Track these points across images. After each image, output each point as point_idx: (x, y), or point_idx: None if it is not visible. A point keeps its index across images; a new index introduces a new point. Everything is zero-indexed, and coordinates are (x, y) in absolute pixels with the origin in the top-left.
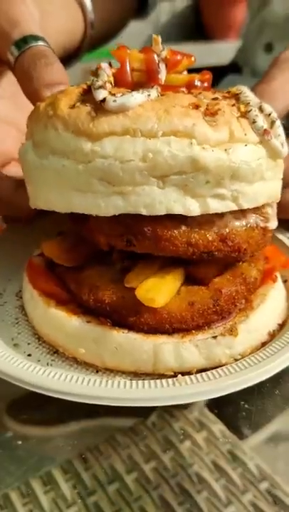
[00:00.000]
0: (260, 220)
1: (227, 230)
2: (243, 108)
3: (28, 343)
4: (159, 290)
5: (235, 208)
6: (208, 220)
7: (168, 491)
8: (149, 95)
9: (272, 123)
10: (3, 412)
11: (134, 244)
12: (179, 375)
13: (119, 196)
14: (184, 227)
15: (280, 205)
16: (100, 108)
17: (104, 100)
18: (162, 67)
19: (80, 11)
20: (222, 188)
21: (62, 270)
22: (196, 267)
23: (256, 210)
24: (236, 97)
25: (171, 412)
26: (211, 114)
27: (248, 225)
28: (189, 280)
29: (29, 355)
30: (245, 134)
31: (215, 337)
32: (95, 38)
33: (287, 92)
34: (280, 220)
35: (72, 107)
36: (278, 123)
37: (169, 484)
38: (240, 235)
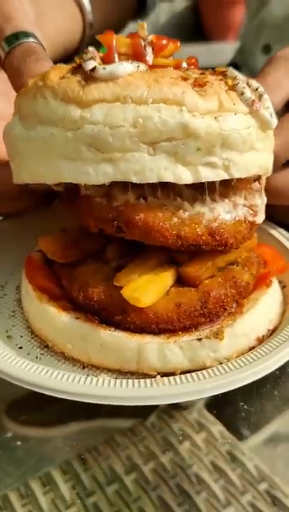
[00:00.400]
0: (248, 214)
1: (216, 224)
2: (230, 82)
3: (21, 336)
4: (146, 290)
5: (226, 176)
6: (199, 212)
7: (167, 491)
8: (138, 66)
9: (260, 96)
10: (2, 413)
11: (124, 231)
12: (158, 376)
13: (108, 163)
14: (175, 219)
15: (272, 190)
16: (90, 77)
17: (94, 69)
18: (149, 50)
19: (79, 12)
20: (213, 156)
21: (57, 266)
22: (188, 268)
23: (246, 202)
24: (223, 73)
25: (170, 412)
26: (199, 85)
27: (237, 219)
28: (180, 281)
29: (20, 347)
30: (234, 104)
31: (200, 339)
32: (94, 39)
33: (283, 86)
34: (280, 223)
35: (62, 77)
36: (266, 96)
37: (168, 485)
38: (228, 230)
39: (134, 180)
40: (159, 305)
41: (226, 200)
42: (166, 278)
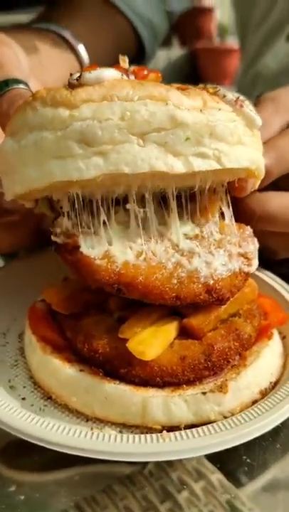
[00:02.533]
0: (243, 265)
1: (213, 281)
2: (211, 90)
3: (24, 387)
4: (151, 343)
5: (218, 166)
6: (196, 268)
7: None
8: (122, 75)
9: (242, 101)
10: None
11: (124, 293)
12: (164, 432)
13: (99, 157)
14: (174, 281)
15: (266, 215)
16: (77, 85)
17: (80, 76)
18: (131, 78)
19: (76, 61)
20: (203, 147)
21: (61, 317)
22: (192, 321)
23: (241, 251)
24: (204, 87)
25: (168, 460)
26: (182, 89)
27: (233, 271)
28: (183, 333)
29: (23, 398)
30: (218, 103)
31: (204, 393)
32: None
33: (271, 125)
34: (280, 274)
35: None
36: (248, 102)
37: None
38: (224, 285)
39: (126, 170)
40: (164, 358)
41: (222, 251)
42: (170, 330)
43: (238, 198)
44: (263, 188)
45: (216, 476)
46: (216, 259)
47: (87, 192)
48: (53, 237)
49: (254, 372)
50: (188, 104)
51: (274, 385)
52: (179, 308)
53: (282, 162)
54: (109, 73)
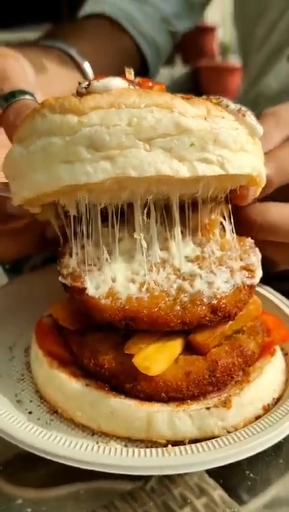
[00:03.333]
0: (246, 278)
1: (216, 301)
2: (214, 100)
3: (31, 401)
4: (156, 359)
5: (222, 172)
6: (199, 290)
7: None
8: (129, 85)
9: (245, 111)
10: None
11: (132, 326)
12: (169, 446)
13: (107, 161)
14: (177, 308)
15: (267, 225)
16: (85, 94)
17: (88, 85)
18: (137, 88)
19: (82, 77)
20: (207, 153)
21: (67, 332)
22: (197, 336)
23: (243, 264)
24: (207, 98)
25: (170, 476)
26: (186, 98)
27: (236, 286)
28: (188, 349)
29: (30, 412)
30: (221, 111)
31: (208, 408)
32: None
33: (272, 139)
34: (280, 290)
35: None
36: (249, 113)
37: None
38: (229, 302)
39: (133, 174)
40: (169, 373)
41: (223, 268)
42: (175, 346)
43: (238, 208)
44: (262, 199)
45: (218, 493)
46: (218, 276)
47: (94, 197)
48: (60, 279)
49: (257, 388)
50: (193, 112)
51: (277, 401)
52: None
53: (283, 172)
54: (117, 82)
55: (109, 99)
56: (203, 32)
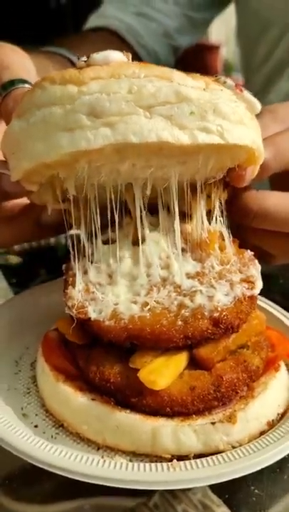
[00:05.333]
0: (246, 290)
1: (217, 313)
2: (212, 78)
3: (36, 414)
4: (161, 373)
5: (221, 141)
6: (200, 305)
7: None
8: (128, 60)
9: (242, 87)
10: None
11: (137, 345)
12: (174, 460)
13: (107, 128)
14: (179, 323)
15: (261, 212)
16: (85, 67)
17: (88, 58)
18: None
19: None
20: (206, 122)
21: (74, 346)
22: (201, 351)
23: (243, 276)
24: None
25: (173, 493)
26: (185, 73)
27: (236, 298)
28: (193, 363)
29: (36, 426)
30: (219, 86)
31: (213, 423)
32: None
33: (269, 130)
34: (286, 308)
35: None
36: (246, 91)
37: None
38: (230, 314)
39: (134, 140)
40: (174, 388)
41: (223, 282)
42: (180, 361)
43: (235, 195)
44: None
45: (222, 510)
46: (218, 290)
47: (93, 170)
48: (66, 310)
49: (262, 403)
50: (192, 83)
51: (281, 417)
52: None
53: (280, 157)
54: (116, 55)
55: (109, 70)
56: (208, 50)
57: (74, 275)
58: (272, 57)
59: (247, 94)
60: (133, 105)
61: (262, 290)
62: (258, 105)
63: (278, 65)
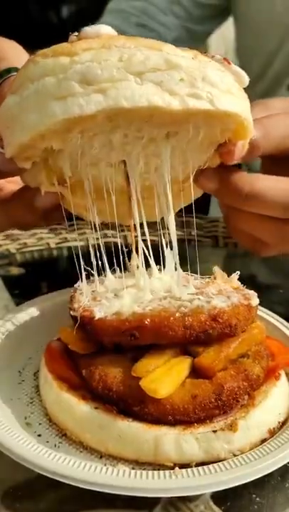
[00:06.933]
0: (243, 299)
1: (216, 311)
2: (201, 52)
3: (40, 424)
4: (163, 381)
5: (211, 107)
6: (198, 306)
7: None
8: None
9: (230, 62)
10: None
11: (138, 337)
12: (176, 468)
13: (99, 94)
14: (178, 314)
15: (252, 193)
16: (76, 41)
17: (79, 33)
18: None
19: None
20: (196, 89)
21: (76, 356)
22: (202, 359)
23: (238, 289)
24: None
25: (175, 504)
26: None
27: (233, 304)
28: (194, 372)
29: (39, 435)
30: (208, 58)
31: (215, 431)
32: None
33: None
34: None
35: None
36: (234, 65)
37: None
38: (228, 313)
39: (125, 104)
40: (176, 397)
41: (220, 296)
42: (181, 369)
43: (226, 178)
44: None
45: None
46: (216, 299)
47: (86, 140)
48: (72, 313)
49: (263, 411)
50: (182, 54)
51: (282, 425)
52: (190, 346)
53: (269, 137)
54: (107, 29)
55: (100, 41)
56: None
57: (81, 290)
58: (270, 69)
59: (235, 66)
60: (124, 72)
61: (262, 300)
62: (246, 78)
63: (276, 77)
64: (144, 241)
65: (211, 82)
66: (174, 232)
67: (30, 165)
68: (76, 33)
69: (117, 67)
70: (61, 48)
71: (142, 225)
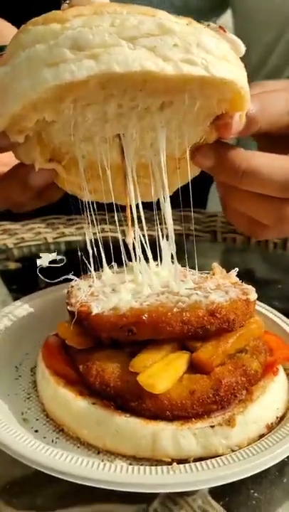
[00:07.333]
0: (241, 294)
1: (214, 306)
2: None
3: (37, 419)
4: (161, 376)
5: (206, 74)
6: (196, 301)
7: None
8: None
9: (225, 30)
10: None
11: (135, 333)
12: (174, 464)
13: (91, 59)
14: (176, 309)
15: (251, 170)
16: (67, 8)
17: (70, 0)
18: None
19: None
20: (191, 55)
21: (74, 351)
22: (200, 354)
23: (236, 284)
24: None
25: (174, 499)
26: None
27: (231, 299)
28: (192, 368)
29: (36, 431)
30: (202, 25)
31: (212, 427)
32: None
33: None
34: (285, 313)
35: None
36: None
37: None
38: (226, 308)
39: (118, 69)
40: (174, 392)
41: (218, 291)
42: (179, 365)
43: (222, 155)
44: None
45: None
46: (214, 294)
47: (79, 109)
48: (69, 308)
49: (261, 406)
50: (175, 19)
51: (280, 420)
52: (188, 341)
53: (266, 113)
54: None
55: (92, 8)
56: None
57: (78, 285)
58: (269, 60)
59: (231, 35)
60: (116, 37)
61: (260, 295)
62: (242, 46)
63: (274, 70)
64: (142, 235)
65: (206, 49)
66: (169, 215)
67: (23, 139)
68: (68, 1)
69: (109, 33)
70: (52, 15)
71: (139, 219)
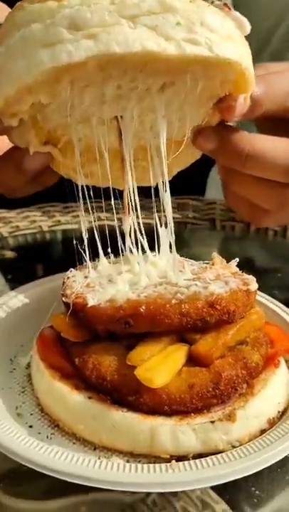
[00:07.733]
0: (241, 284)
1: (213, 297)
2: None
3: (31, 414)
4: (159, 370)
5: (209, 54)
6: (195, 292)
7: None
8: None
9: (230, 7)
10: None
11: (132, 325)
12: (173, 461)
13: (89, 39)
14: (174, 301)
15: (256, 153)
16: None
17: None
18: None
19: None
20: (194, 34)
21: (69, 344)
22: (199, 347)
23: (236, 275)
24: None
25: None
26: None
27: (231, 290)
28: (191, 360)
29: (30, 426)
30: (206, 3)
31: (212, 422)
32: None
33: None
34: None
35: None
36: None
37: None
38: (226, 299)
39: (117, 49)
40: (172, 386)
41: (218, 282)
42: (178, 358)
43: (225, 138)
44: None
45: (221, 507)
46: (213, 285)
47: (77, 91)
48: (64, 299)
49: (262, 400)
50: None
51: (282, 415)
52: (187, 333)
53: (271, 93)
54: None
55: None
56: None
57: (74, 276)
58: (269, 46)
59: (236, 12)
60: (116, 15)
61: (260, 285)
62: (247, 24)
63: (275, 55)
64: (139, 224)
65: (210, 28)
66: (168, 202)
67: (17, 122)
68: None
69: (109, 11)
70: None
71: (137, 206)
